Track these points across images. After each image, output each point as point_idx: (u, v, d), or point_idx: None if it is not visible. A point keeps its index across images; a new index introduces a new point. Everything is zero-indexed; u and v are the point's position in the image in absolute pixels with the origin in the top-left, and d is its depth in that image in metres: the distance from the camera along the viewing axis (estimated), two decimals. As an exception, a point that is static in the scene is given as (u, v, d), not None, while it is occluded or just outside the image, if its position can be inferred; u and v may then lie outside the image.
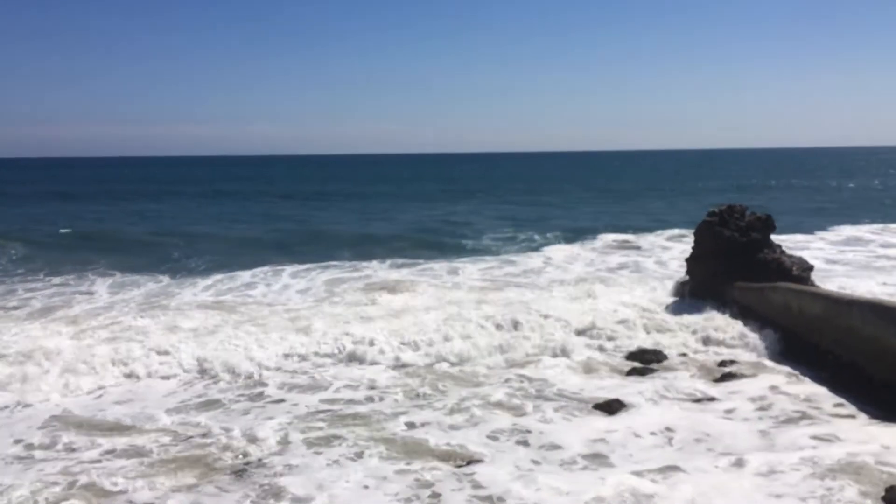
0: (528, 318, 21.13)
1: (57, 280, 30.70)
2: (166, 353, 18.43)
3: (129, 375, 17.34)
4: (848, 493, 10.65)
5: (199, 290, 28.47)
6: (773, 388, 15.78)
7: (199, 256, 37.05)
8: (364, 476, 11.52)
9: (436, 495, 10.89)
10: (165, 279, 31.04)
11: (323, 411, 14.79)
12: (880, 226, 45.71)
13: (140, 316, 22.90)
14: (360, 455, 12.41)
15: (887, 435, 12.79)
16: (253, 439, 13.04)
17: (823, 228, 44.57)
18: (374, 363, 18.25)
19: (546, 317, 21.30)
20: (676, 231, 43.29)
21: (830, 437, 12.82)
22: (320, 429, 13.68)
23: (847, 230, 44.22)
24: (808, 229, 43.55)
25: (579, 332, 20.42)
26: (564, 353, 18.93)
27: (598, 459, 12.20)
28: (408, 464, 11.97)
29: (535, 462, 12.10)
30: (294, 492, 11.00)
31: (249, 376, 17.23)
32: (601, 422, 13.91)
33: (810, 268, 22.77)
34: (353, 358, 18.56)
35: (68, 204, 76.07)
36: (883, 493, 10.54)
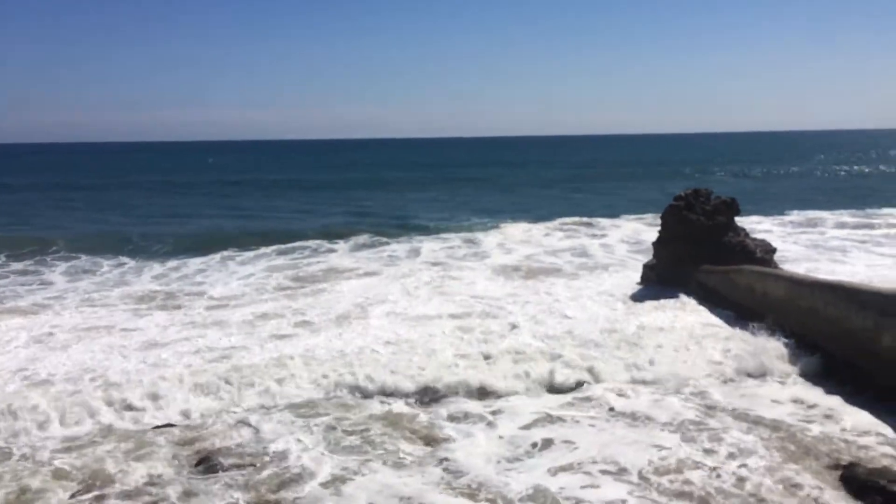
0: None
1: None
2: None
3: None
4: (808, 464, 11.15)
5: (149, 278, 28.62)
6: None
7: (162, 242, 36.85)
8: None
9: None
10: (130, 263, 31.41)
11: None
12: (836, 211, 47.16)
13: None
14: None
15: (845, 411, 13.39)
16: None
17: (782, 212, 45.75)
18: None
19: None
20: (641, 216, 44.19)
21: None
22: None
23: (805, 213, 45.54)
24: (768, 212, 44.80)
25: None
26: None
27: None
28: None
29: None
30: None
31: None
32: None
33: (773, 250, 23.45)
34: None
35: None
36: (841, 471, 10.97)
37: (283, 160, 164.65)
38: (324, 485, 10.95)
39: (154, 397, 14.24)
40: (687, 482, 10.76)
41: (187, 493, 10.67)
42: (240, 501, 10.46)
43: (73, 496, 10.62)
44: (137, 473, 11.26)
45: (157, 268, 30.71)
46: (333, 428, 13.02)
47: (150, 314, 22.07)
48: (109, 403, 13.94)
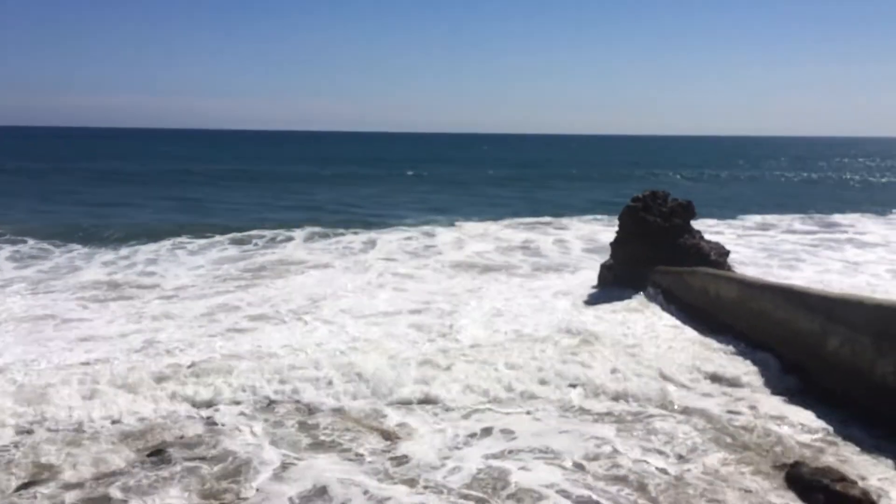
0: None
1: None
2: None
3: None
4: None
5: (98, 266, 27.97)
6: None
7: (112, 229, 36.01)
8: None
9: None
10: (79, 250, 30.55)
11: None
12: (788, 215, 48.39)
13: None
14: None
15: (791, 412, 13.68)
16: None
17: (735, 216, 46.79)
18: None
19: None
20: (597, 216, 44.85)
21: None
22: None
23: (756, 218, 46.65)
24: (722, 216, 45.79)
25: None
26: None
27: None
28: None
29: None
30: None
31: None
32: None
33: (726, 253, 23.92)
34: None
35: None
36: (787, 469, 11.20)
37: (238, 150, 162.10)
38: (274, 475, 10.83)
39: (94, 394, 13.67)
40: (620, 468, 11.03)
41: (139, 485, 10.42)
42: (191, 490, 10.26)
43: (18, 489, 10.26)
44: (85, 466, 10.92)
45: (106, 256, 30.09)
46: (281, 424, 12.84)
47: (98, 305, 21.52)
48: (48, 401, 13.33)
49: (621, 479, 10.83)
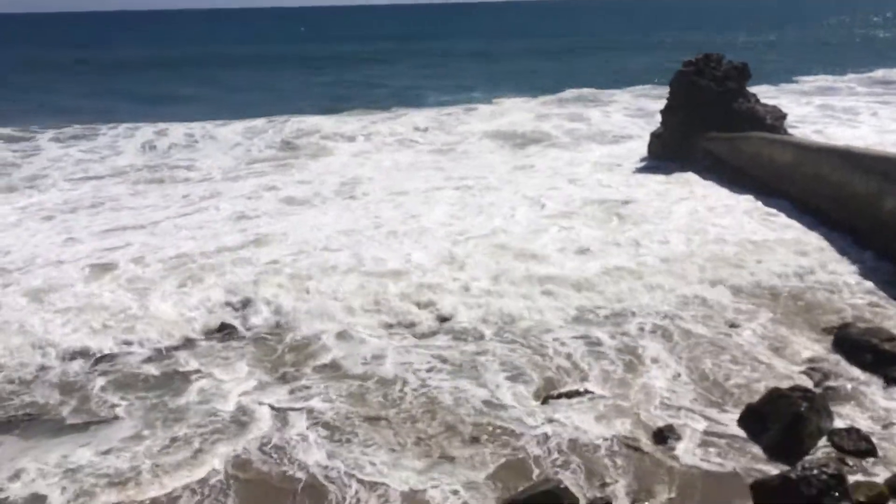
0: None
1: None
2: None
3: None
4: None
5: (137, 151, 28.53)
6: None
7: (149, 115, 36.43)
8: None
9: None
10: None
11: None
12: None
13: None
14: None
15: (841, 275, 13.61)
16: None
17: (789, 80, 44.48)
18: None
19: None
20: (642, 87, 43.15)
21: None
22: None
23: (814, 79, 44.43)
24: (777, 79, 43.58)
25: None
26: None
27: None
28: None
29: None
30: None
31: None
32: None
33: (783, 116, 23.05)
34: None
35: None
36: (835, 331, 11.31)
37: (259, 33, 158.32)
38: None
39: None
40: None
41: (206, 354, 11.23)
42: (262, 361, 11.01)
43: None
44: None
45: (146, 138, 30.47)
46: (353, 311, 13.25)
47: (141, 192, 22.19)
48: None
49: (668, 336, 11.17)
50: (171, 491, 7.93)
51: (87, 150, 28.51)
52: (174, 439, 8.83)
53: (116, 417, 9.45)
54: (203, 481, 8.05)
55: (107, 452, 8.61)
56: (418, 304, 12.72)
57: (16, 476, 8.22)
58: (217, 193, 21.36)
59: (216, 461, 8.38)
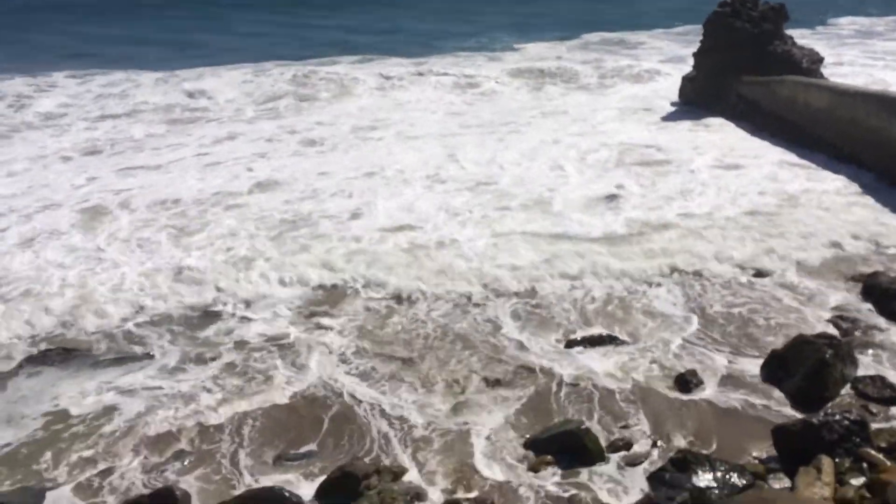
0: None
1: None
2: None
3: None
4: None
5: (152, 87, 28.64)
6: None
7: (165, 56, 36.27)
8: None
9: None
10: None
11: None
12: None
13: None
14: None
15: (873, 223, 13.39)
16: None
17: (825, 22, 42.84)
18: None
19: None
20: (671, 30, 41.87)
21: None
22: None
23: (853, 20, 42.82)
24: (813, 22, 41.90)
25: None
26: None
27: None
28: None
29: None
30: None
31: None
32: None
33: (820, 59, 22.35)
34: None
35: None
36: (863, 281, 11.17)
37: None
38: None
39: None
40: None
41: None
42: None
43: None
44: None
45: (162, 77, 30.55)
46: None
47: (159, 131, 22.46)
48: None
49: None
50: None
51: (104, 89, 28.65)
52: (216, 375, 9.12)
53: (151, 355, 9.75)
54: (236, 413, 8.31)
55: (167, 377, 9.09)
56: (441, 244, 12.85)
57: (82, 394, 8.73)
58: (236, 135, 21.48)
59: (251, 395, 8.63)
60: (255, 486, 7.09)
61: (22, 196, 16.24)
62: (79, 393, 8.79)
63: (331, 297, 11.24)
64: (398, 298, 11.10)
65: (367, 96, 27.20)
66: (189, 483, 7.16)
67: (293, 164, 18.24)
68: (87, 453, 7.69)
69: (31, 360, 9.58)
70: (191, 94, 28.17)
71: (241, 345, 9.85)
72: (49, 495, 7.04)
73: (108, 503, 6.98)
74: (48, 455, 7.66)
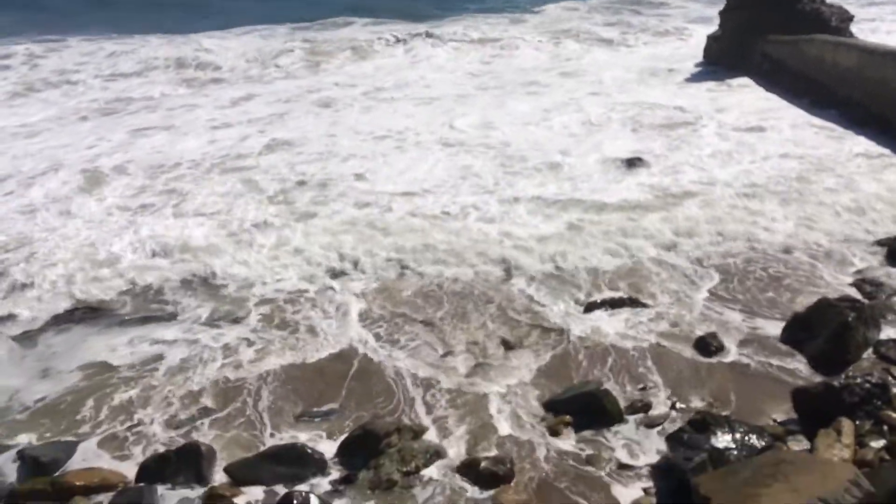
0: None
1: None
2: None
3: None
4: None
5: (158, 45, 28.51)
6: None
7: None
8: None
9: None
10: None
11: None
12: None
13: None
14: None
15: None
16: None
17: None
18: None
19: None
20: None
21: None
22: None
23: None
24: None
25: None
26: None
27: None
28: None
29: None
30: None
31: None
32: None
33: (850, 18, 21.79)
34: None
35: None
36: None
37: None
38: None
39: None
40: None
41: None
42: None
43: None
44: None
45: (177, 40, 30.39)
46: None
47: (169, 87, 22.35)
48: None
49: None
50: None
51: (118, 46, 28.67)
52: (239, 336, 9.23)
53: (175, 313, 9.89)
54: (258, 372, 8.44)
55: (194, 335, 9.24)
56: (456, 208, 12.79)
57: (113, 348, 8.97)
58: (252, 95, 21.48)
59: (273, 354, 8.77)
60: (279, 443, 7.22)
61: (32, 157, 16.31)
62: (110, 348, 8.95)
63: (348, 260, 11.27)
64: (417, 261, 11.12)
65: (382, 57, 26.94)
66: (213, 438, 7.31)
67: (309, 125, 18.18)
68: (118, 406, 7.85)
69: (57, 319, 9.74)
70: (204, 55, 27.90)
71: (263, 303, 9.97)
72: (79, 447, 7.21)
73: (134, 455, 7.15)
74: (82, 408, 7.83)
